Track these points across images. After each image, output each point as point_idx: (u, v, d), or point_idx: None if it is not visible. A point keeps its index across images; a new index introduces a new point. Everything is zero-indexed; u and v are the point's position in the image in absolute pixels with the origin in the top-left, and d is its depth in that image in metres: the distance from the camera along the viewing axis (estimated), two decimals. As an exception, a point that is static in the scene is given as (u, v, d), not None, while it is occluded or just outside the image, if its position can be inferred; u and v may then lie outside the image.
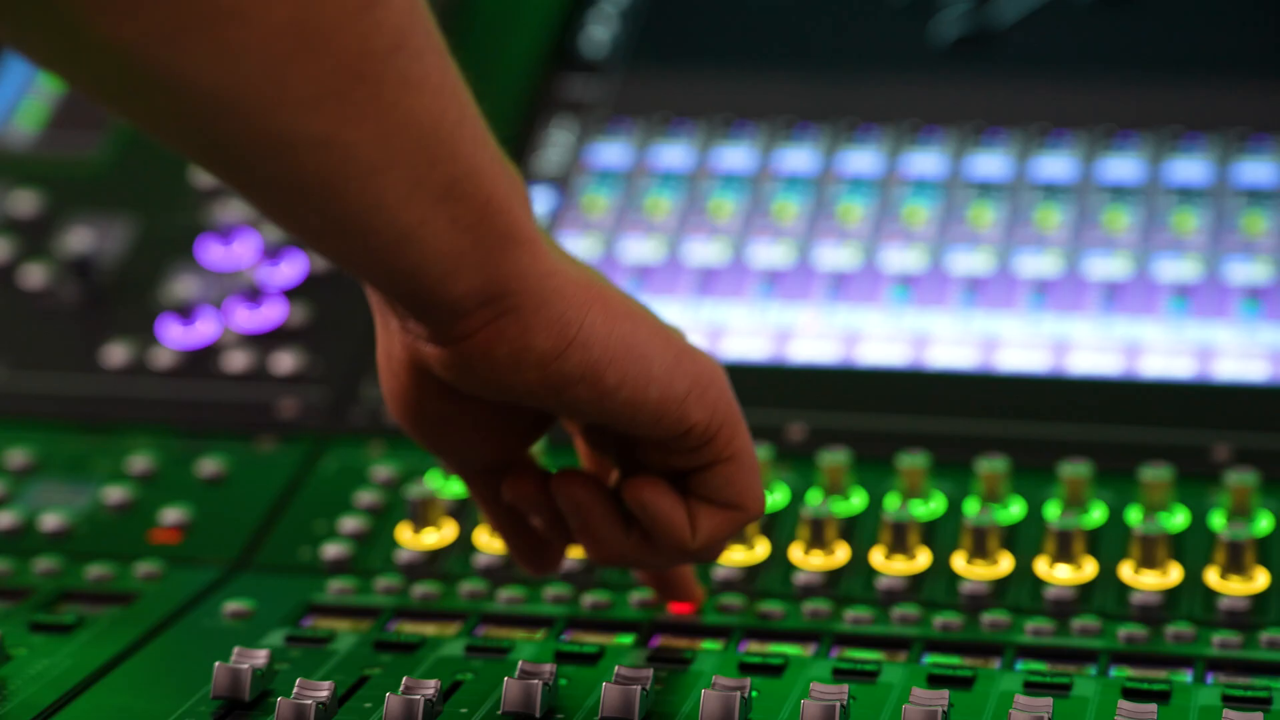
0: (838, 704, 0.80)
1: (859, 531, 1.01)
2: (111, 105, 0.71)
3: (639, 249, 1.23)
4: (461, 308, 0.77)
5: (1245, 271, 1.16)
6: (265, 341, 1.19)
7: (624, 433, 0.84)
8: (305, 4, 0.69)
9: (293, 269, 1.23)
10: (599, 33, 1.37)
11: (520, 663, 0.84)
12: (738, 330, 1.17)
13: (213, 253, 1.24)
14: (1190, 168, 1.23)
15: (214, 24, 0.67)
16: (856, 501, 1.03)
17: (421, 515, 1.03)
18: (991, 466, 1.02)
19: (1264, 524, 1.00)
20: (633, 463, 0.87)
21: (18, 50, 0.69)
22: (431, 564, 1.01)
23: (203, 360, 1.18)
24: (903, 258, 1.20)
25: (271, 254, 1.23)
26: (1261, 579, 0.96)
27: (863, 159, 1.26)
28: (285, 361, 1.17)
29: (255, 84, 0.69)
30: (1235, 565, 0.96)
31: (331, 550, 1.02)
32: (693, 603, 0.95)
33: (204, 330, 1.20)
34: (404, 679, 0.83)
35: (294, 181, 0.72)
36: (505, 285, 0.77)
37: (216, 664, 0.84)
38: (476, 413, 0.84)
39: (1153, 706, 0.82)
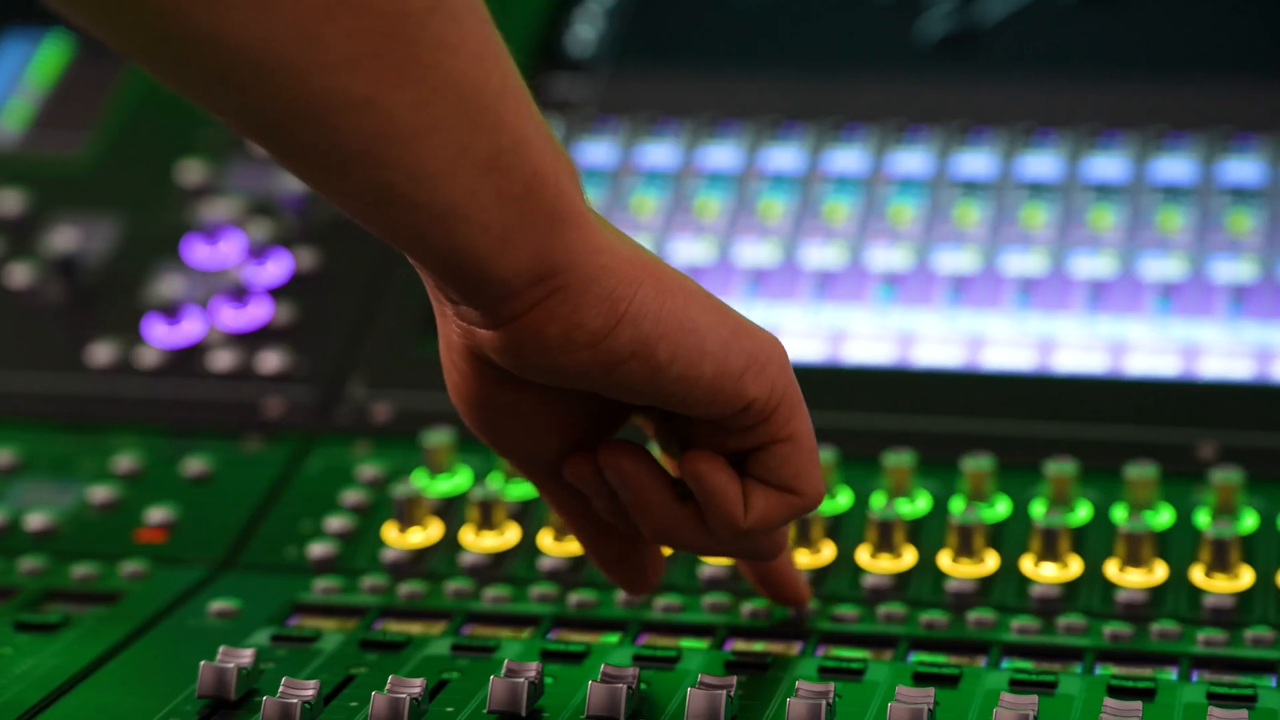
0: (823, 702, 0.80)
1: (845, 530, 1.01)
2: (150, 65, 0.70)
3: (625, 248, 1.23)
4: (510, 286, 0.76)
5: (1230, 270, 1.16)
6: (251, 341, 1.19)
7: (681, 412, 0.83)
8: None
9: (278, 268, 1.23)
10: (585, 32, 1.37)
11: (506, 662, 0.84)
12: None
13: (198, 252, 1.24)
14: (1175, 166, 1.23)
15: None
16: (842, 500, 1.03)
17: (407, 514, 1.03)
18: (977, 465, 1.02)
19: (1249, 522, 1.00)
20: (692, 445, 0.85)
21: (63, 11, 0.69)
22: (417, 563, 1.01)
23: (188, 360, 1.18)
24: (888, 256, 1.20)
25: (257, 253, 1.23)
26: (1246, 577, 0.96)
27: (848, 158, 1.27)
28: (271, 361, 1.17)
29: (291, 43, 0.68)
30: (1220, 563, 0.96)
31: (317, 549, 1.02)
32: (800, 602, 0.93)
33: (189, 330, 1.20)
34: (390, 678, 0.83)
35: (333, 147, 0.71)
36: (554, 263, 0.76)
37: (202, 663, 0.84)
38: (539, 403, 0.83)
39: (1138, 704, 0.82)
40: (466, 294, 0.77)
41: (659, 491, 0.84)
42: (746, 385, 0.81)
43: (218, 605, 0.96)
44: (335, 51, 0.69)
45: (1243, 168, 1.23)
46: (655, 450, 0.89)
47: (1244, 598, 0.95)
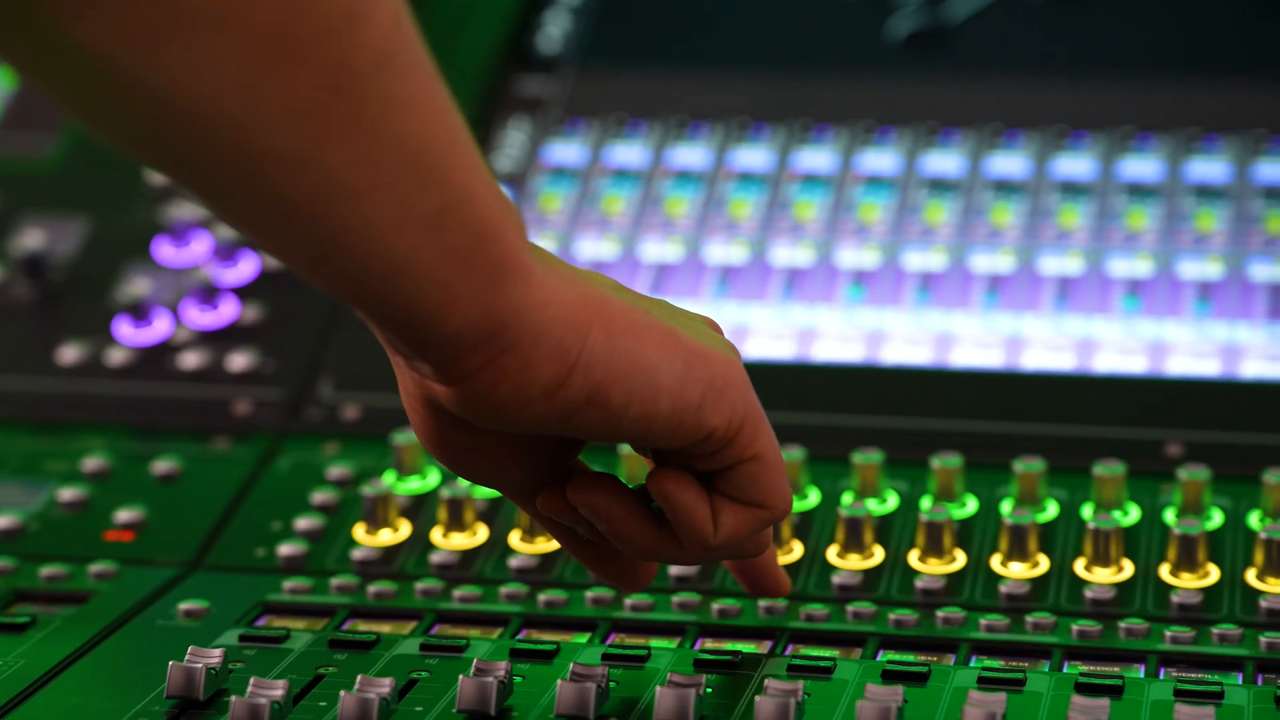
0: (792, 700, 0.80)
1: (814, 528, 1.01)
2: (90, 118, 0.69)
3: (594, 248, 1.23)
4: (459, 344, 0.76)
5: (1197, 268, 1.17)
6: (220, 340, 1.19)
7: (645, 446, 0.83)
8: (286, 14, 0.67)
9: (247, 268, 1.23)
10: (554, 32, 1.37)
11: (475, 661, 0.85)
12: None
13: (167, 252, 1.24)
14: (1142, 166, 1.24)
15: (191, 30, 0.66)
16: (811, 499, 1.03)
17: (377, 514, 1.03)
18: (945, 463, 1.02)
19: (1216, 519, 1.00)
20: (661, 463, 0.85)
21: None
22: (387, 563, 1.01)
23: (157, 359, 1.18)
24: (858, 256, 1.20)
25: (225, 253, 1.23)
26: (1213, 574, 0.96)
27: (817, 157, 1.27)
28: (239, 361, 1.17)
29: (232, 95, 0.67)
30: (1187, 561, 0.96)
31: (286, 549, 1.02)
32: (781, 593, 0.93)
33: (158, 329, 1.19)
34: (359, 677, 0.83)
35: (274, 204, 0.70)
36: (502, 320, 0.76)
37: (170, 663, 0.84)
38: (502, 442, 0.83)
39: (1105, 701, 0.82)
40: (416, 351, 0.77)
41: (634, 520, 0.84)
42: (706, 415, 0.81)
43: (186, 605, 0.96)
44: (276, 105, 0.68)
45: (1210, 167, 1.23)
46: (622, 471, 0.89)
47: (1211, 595, 0.95)
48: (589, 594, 0.96)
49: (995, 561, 0.98)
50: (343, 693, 0.82)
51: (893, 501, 1.03)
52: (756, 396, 0.83)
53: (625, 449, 1.02)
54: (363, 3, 0.69)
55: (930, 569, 0.98)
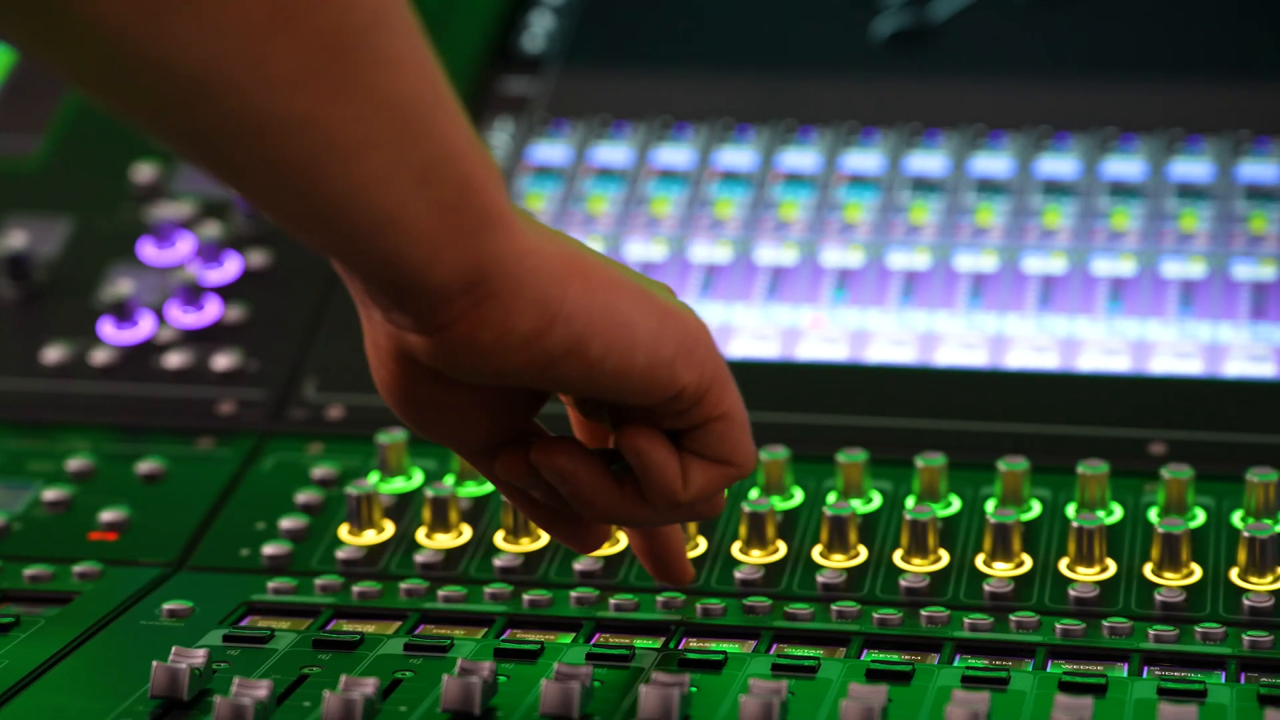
0: (776, 700, 0.80)
1: (798, 527, 1.01)
2: (92, 88, 0.70)
3: (579, 247, 1.23)
4: (443, 294, 0.77)
5: (1180, 268, 1.17)
6: (204, 340, 1.19)
7: (616, 401, 0.84)
8: None
9: (231, 268, 1.22)
10: (539, 31, 1.37)
11: (460, 661, 0.85)
12: (677, 328, 1.17)
13: (151, 252, 1.24)
14: (1126, 165, 1.24)
15: (182, 2, 0.67)
16: (796, 498, 1.03)
17: (361, 514, 1.03)
18: (929, 462, 1.02)
19: (1199, 518, 1.00)
20: (627, 422, 0.86)
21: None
22: (371, 563, 1.01)
23: (141, 359, 1.18)
24: (842, 255, 1.20)
25: (209, 253, 1.23)
26: (1196, 573, 0.96)
27: (802, 157, 1.27)
28: (224, 361, 1.17)
29: (233, 62, 0.68)
30: (1170, 559, 0.96)
31: (271, 549, 1.02)
32: (684, 580, 0.94)
33: (142, 329, 1.19)
34: (342, 677, 0.83)
35: (275, 165, 0.72)
36: (484, 269, 0.77)
37: (154, 663, 0.84)
38: (468, 396, 0.84)
39: (1089, 700, 0.82)
40: (398, 302, 0.78)
41: (597, 482, 0.86)
42: (678, 372, 0.82)
43: (171, 605, 0.96)
44: (277, 70, 0.69)
45: (1193, 167, 1.23)
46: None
47: (1194, 594, 0.95)
48: (573, 594, 0.96)
49: (979, 560, 0.98)
50: (326, 693, 0.82)
51: (877, 501, 1.03)
52: (723, 360, 0.85)
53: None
54: None
55: (914, 568, 0.98)
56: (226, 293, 1.21)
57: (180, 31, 0.67)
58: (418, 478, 1.06)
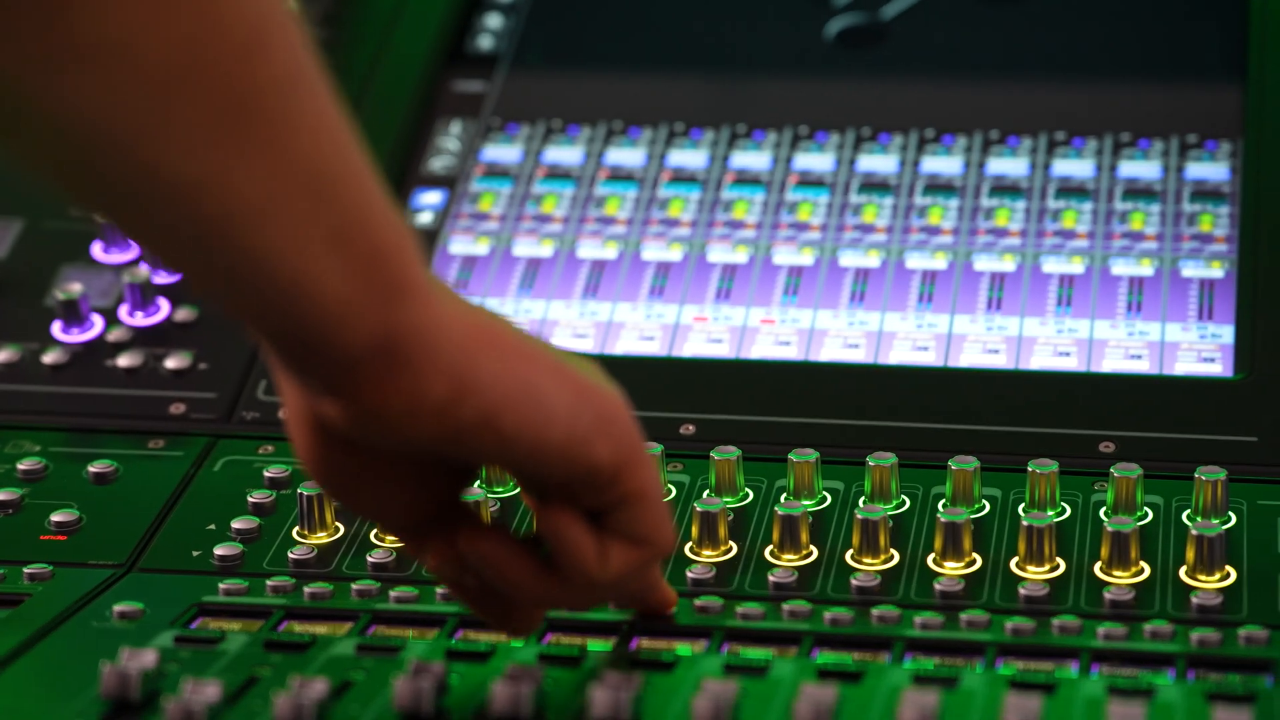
0: (728, 700, 0.80)
1: (749, 528, 1.02)
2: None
3: (532, 248, 1.23)
4: (351, 360, 0.76)
5: (1128, 268, 1.18)
6: (155, 341, 1.18)
7: (531, 476, 0.83)
8: (192, 40, 0.68)
9: (183, 268, 1.22)
10: (491, 33, 1.37)
11: (411, 661, 0.84)
12: (629, 328, 1.17)
13: (102, 253, 1.24)
14: (1077, 165, 1.25)
15: (90, 60, 0.66)
16: (747, 498, 1.04)
17: (313, 515, 1.03)
18: (880, 462, 1.03)
19: (1148, 517, 1.01)
20: (548, 500, 0.85)
21: None
22: (323, 564, 1.01)
23: (92, 360, 1.18)
24: (794, 256, 1.20)
25: (161, 253, 1.22)
26: (1145, 571, 0.97)
27: (754, 158, 1.27)
28: (175, 361, 1.16)
29: (138, 120, 0.68)
30: (1120, 557, 0.97)
31: (222, 550, 1.02)
32: (666, 608, 0.93)
33: (93, 330, 1.19)
34: (293, 678, 0.83)
35: (179, 226, 0.71)
36: (395, 337, 0.76)
37: (104, 665, 0.84)
38: (390, 468, 0.82)
39: (1038, 699, 0.83)
40: (308, 368, 0.77)
41: (523, 568, 0.84)
42: (594, 449, 0.81)
43: (121, 607, 0.95)
44: (183, 129, 0.68)
45: (1139, 167, 1.24)
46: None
47: (1143, 592, 0.96)
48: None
49: (930, 559, 0.99)
50: (277, 694, 0.82)
51: (828, 500, 1.03)
52: (641, 436, 0.83)
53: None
54: (268, 25, 0.70)
55: (865, 567, 0.98)
56: (177, 293, 1.21)
57: (75, 90, 0.66)
58: (370, 478, 1.06)
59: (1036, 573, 0.97)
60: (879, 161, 1.26)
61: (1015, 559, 0.98)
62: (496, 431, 0.79)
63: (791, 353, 1.15)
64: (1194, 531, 0.97)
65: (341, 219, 0.73)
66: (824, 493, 1.04)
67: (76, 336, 1.19)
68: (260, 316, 0.75)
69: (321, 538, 1.02)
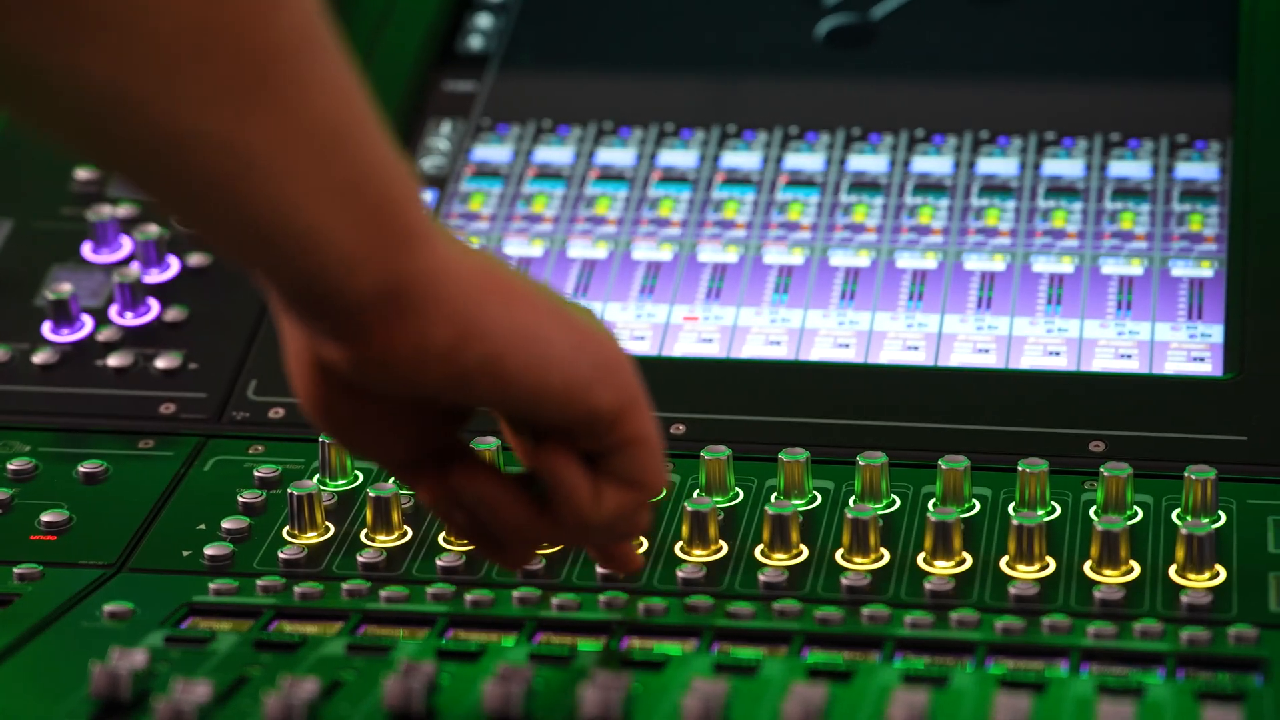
0: (719, 699, 0.80)
1: (740, 527, 1.02)
2: (15, 109, 0.70)
3: (522, 248, 1.23)
4: (360, 307, 0.77)
5: (1118, 267, 1.18)
6: (145, 341, 1.18)
7: (533, 420, 0.84)
8: (208, 4, 0.69)
9: (173, 269, 1.22)
10: (481, 32, 1.37)
11: (402, 661, 0.85)
12: (620, 328, 1.17)
13: (92, 253, 1.23)
14: (1066, 165, 1.25)
15: (111, 24, 0.67)
16: (738, 497, 1.04)
17: (303, 515, 1.03)
18: (871, 461, 1.03)
19: (1138, 516, 1.01)
20: (545, 441, 0.86)
21: None
22: (313, 563, 1.01)
23: (82, 360, 1.18)
24: (785, 255, 1.20)
25: (151, 254, 1.22)
26: (1135, 570, 0.97)
27: (744, 158, 1.27)
28: (165, 361, 1.16)
29: (154, 84, 0.69)
30: (1109, 557, 0.97)
31: (212, 550, 1.02)
32: (631, 568, 0.95)
33: (84, 330, 1.19)
34: (283, 678, 0.83)
35: (193, 183, 0.72)
36: (402, 283, 0.77)
37: (94, 665, 0.84)
38: (388, 410, 0.84)
39: (1028, 698, 0.83)
40: (316, 314, 0.78)
41: (516, 506, 0.86)
42: (595, 394, 0.83)
43: (111, 607, 0.95)
44: (198, 91, 0.70)
45: (1130, 167, 1.24)
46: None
47: (1133, 591, 0.96)
48: (515, 594, 0.96)
49: (920, 559, 0.99)
50: (267, 694, 0.82)
51: (818, 499, 1.03)
52: (640, 382, 0.85)
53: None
54: None
55: (855, 566, 0.98)
56: (168, 293, 1.21)
57: (91, 61, 0.67)
58: (359, 478, 1.06)
59: (1026, 572, 0.97)
60: (869, 161, 1.26)
61: (1005, 558, 0.98)
62: (500, 376, 0.80)
63: (782, 352, 1.15)
64: (1184, 531, 0.97)
65: (351, 171, 0.74)
66: (814, 492, 1.04)
67: (66, 336, 1.18)
68: (270, 266, 0.77)
69: (312, 538, 1.02)
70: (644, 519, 0.90)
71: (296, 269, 0.76)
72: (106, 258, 1.23)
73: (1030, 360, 1.13)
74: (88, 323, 1.19)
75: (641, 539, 1.00)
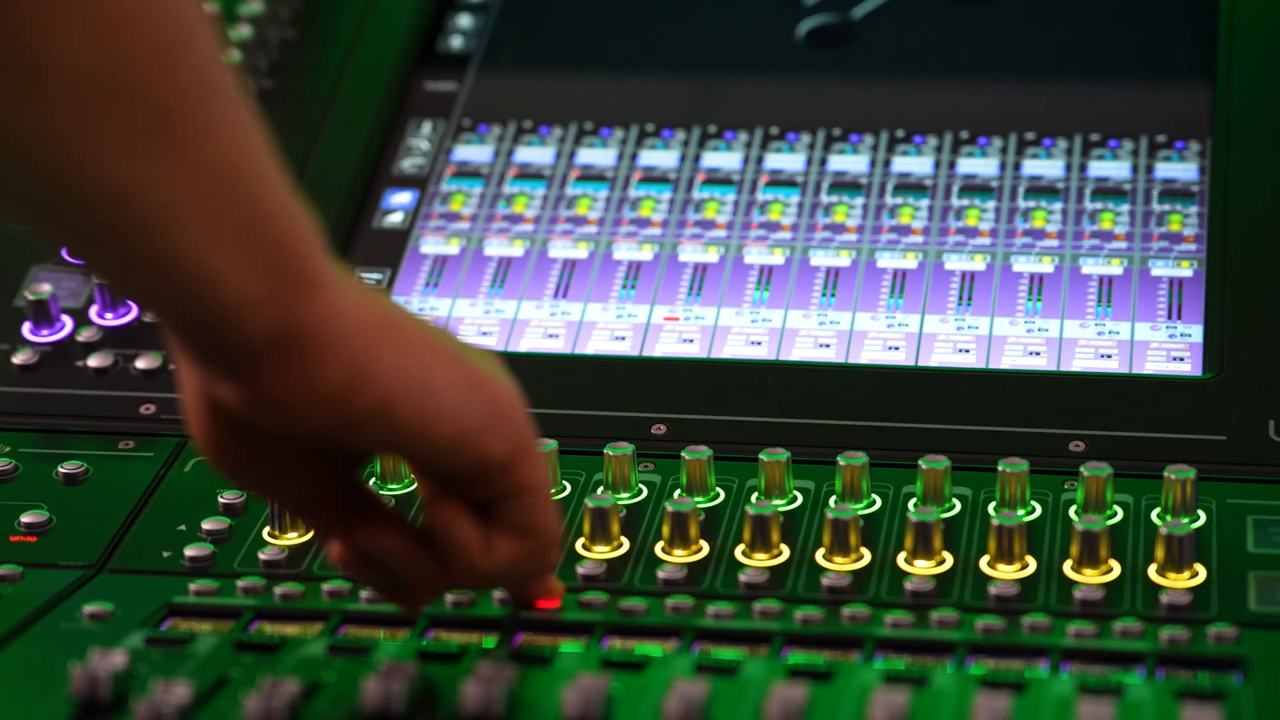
0: (699, 699, 0.80)
1: (721, 527, 1.02)
2: None
3: (502, 248, 1.23)
4: (253, 350, 0.77)
5: (1098, 267, 1.18)
6: (126, 341, 1.18)
7: (424, 467, 0.84)
8: (110, 53, 0.69)
9: (153, 268, 1.22)
10: (462, 33, 1.37)
11: (382, 662, 0.84)
12: (600, 328, 1.17)
13: (72, 252, 1.23)
14: (1047, 165, 1.25)
15: (11, 69, 0.67)
16: (719, 497, 1.04)
17: (283, 516, 1.02)
18: (851, 461, 1.03)
19: (1118, 515, 1.01)
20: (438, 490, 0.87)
21: None
22: (294, 564, 1.01)
23: (62, 360, 1.17)
24: (766, 255, 1.21)
25: (131, 253, 1.22)
26: (1115, 569, 0.97)
27: (724, 158, 1.27)
28: (145, 361, 1.16)
29: (52, 135, 0.69)
30: (1089, 556, 0.97)
31: (192, 551, 1.02)
32: (553, 599, 0.95)
33: (63, 330, 1.19)
34: (263, 679, 0.83)
35: (89, 225, 0.72)
36: (296, 328, 0.77)
37: (74, 666, 0.84)
38: (283, 450, 0.84)
39: (1007, 698, 0.83)
40: (211, 356, 0.79)
41: (421, 560, 0.87)
42: (485, 442, 0.83)
43: (91, 608, 0.95)
44: (99, 143, 0.70)
45: (1109, 167, 1.24)
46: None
47: (1113, 591, 0.96)
48: (496, 594, 0.96)
49: (900, 559, 0.99)
50: (247, 695, 0.81)
51: (799, 499, 1.03)
52: (533, 430, 0.85)
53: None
54: (182, 35, 0.71)
55: (836, 566, 0.98)
56: (148, 293, 1.21)
57: (2, 99, 0.67)
58: (340, 479, 1.06)
59: (1007, 572, 0.98)
60: (849, 161, 1.26)
61: (985, 558, 0.98)
62: (390, 422, 0.80)
63: (763, 352, 1.15)
64: (1163, 530, 0.97)
65: (248, 217, 0.75)
66: (795, 492, 1.04)
67: (46, 337, 1.18)
68: (164, 307, 0.77)
69: (292, 538, 1.02)
70: (550, 558, 0.90)
71: (190, 311, 0.76)
72: (86, 258, 1.23)
73: (1010, 360, 1.13)
74: (68, 323, 1.19)
75: (622, 540, 1.00)
